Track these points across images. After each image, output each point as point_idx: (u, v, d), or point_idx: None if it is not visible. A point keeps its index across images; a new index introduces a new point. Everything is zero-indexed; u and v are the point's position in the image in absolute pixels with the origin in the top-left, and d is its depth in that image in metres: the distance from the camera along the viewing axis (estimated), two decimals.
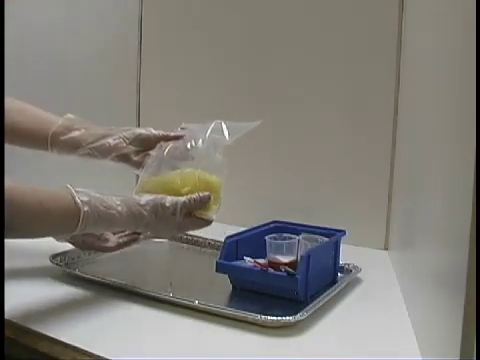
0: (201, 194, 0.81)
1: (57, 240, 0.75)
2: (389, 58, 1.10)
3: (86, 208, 0.69)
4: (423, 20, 0.83)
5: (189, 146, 0.86)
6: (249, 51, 1.27)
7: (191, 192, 0.81)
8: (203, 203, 0.81)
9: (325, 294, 0.78)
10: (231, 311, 0.72)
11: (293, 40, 1.21)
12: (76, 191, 0.70)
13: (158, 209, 0.77)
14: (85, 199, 0.69)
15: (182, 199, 0.79)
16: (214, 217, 0.83)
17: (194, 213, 0.81)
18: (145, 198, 0.77)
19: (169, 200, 0.78)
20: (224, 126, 0.85)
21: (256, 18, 1.26)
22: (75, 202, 0.68)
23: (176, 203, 0.78)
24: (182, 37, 1.36)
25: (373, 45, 1.12)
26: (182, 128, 0.92)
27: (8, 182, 0.62)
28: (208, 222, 0.83)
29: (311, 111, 1.20)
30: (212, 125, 0.85)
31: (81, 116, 0.92)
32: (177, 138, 0.89)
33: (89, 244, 0.84)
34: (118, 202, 0.74)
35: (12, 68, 1.06)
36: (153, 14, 1.40)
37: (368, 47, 1.13)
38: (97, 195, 0.72)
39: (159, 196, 0.78)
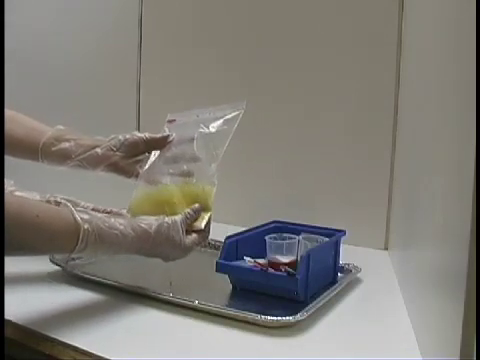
0: (193, 208, 0.81)
1: (53, 261, 0.69)
2: (389, 58, 1.10)
3: (86, 226, 0.66)
4: (423, 20, 0.83)
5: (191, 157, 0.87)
6: (250, 51, 1.27)
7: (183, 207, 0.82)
8: (198, 214, 0.82)
9: (325, 294, 0.78)
10: (231, 311, 0.72)
11: (294, 40, 1.21)
12: (76, 210, 0.67)
13: (162, 228, 0.76)
14: (85, 217, 0.67)
15: (180, 216, 0.79)
16: (203, 226, 0.84)
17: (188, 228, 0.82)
18: (146, 218, 0.76)
19: (170, 219, 0.78)
20: (212, 129, 0.86)
21: (256, 18, 1.26)
22: (75, 218, 0.65)
23: (176, 221, 0.78)
24: (182, 36, 1.36)
25: (373, 45, 1.12)
26: (169, 120, 0.92)
27: (6, 195, 0.60)
28: (205, 237, 0.84)
29: (311, 111, 1.20)
30: (196, 136, 0.86)
31: (81, 116, 0.92)
32: (164, 140, 0.89)
33: None
34: (121, 221, 0.72)
35: (13, 67, 1.06)
36: (153, 14, 1.41)
37: (368, 47, 1.13)
38: (98, 215, 0.69)
39: (160, 216, 0.78)
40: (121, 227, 0.71)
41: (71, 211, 0.66)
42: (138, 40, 1.42)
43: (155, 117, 0.96)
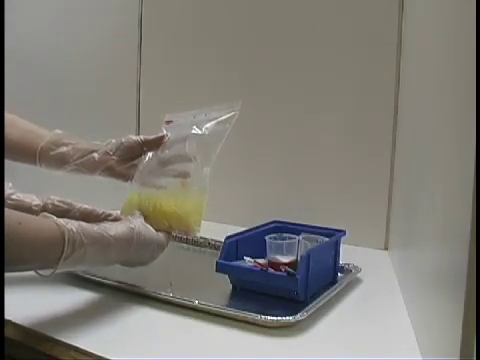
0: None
1: (41, 275, 0.66)
2: (389, 58, 1.10)
3: (69, 225, 0.64)
4: (423, 20, 0.83)
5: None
6: (250, 51, 1.27)
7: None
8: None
9: (325, 294, 0.78)
10: (231, 311, 0.72)
11: (294, 40, 1.21)
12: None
13: (139, 226, 0.76)
14: (66, 220, 0.66)
15: (137, 215, 0.80)
16: (198, 235, 0.85)
17: (174, 231, 0.83)
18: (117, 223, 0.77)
19: (134, 218, 0.78)
20: (205, 130, 0.85)
21: (256, 18, 1.26)
22: (57, 224, 0.64)
23: (141, 221, 0.78)
24: (182, 36, 1.36)
25: (373, 45, 1.12)
26: (167, 121, 0.92)
27: None
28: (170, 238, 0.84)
29: (311, 111, 1.20)
30: (191, 142, 0.86)
31: (81, 116, 0.92)
32: (159, 140, 0.89)
33: None
34: (103, 223, 0.72)
35: (13, 67, 1.06)
36: (153, 14, 1.41)
37: (368, 47, 1.13)
38: (79, 222, 0.68)
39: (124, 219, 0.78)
40: (104, 227, 0.70)
41: (52, 219, 0.65)
42: (138, 40, 1.42)
43: (155, 117, 0.96)
